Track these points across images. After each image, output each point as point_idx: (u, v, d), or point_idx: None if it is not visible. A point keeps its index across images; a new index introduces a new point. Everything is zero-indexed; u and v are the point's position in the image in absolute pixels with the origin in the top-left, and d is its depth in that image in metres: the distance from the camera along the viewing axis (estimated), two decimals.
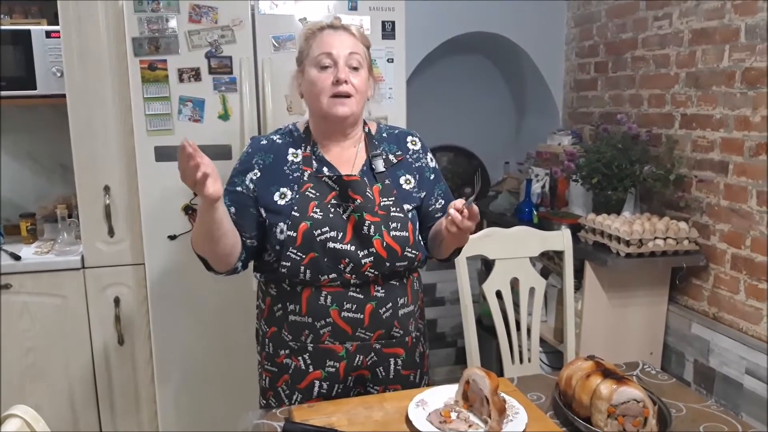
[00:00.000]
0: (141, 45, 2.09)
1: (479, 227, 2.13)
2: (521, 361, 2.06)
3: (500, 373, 1.84)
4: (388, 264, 1.47)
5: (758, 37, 2.16)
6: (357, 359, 1.50)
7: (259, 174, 1.49)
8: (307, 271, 1.44)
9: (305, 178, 1.48)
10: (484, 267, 3.21)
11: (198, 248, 1.45)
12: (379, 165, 1.53)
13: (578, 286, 2.47)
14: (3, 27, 2.32)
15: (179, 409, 2.32)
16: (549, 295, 2.66)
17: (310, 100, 1.50)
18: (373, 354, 1.51)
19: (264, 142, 1.54)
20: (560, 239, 2.08)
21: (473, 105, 3.61)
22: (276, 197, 1.47)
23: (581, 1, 3.16)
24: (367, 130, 1.59)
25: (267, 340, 1.55)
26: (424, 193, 1.59)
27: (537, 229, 2.09)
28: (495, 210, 3.11)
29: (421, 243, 1.57)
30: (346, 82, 1.43)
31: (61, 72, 2.28)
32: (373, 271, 1.46)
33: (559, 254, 2.14)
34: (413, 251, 1.50)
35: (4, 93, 2.34)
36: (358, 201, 1.46)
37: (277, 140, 1.54)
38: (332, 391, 1.51)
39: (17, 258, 2.30)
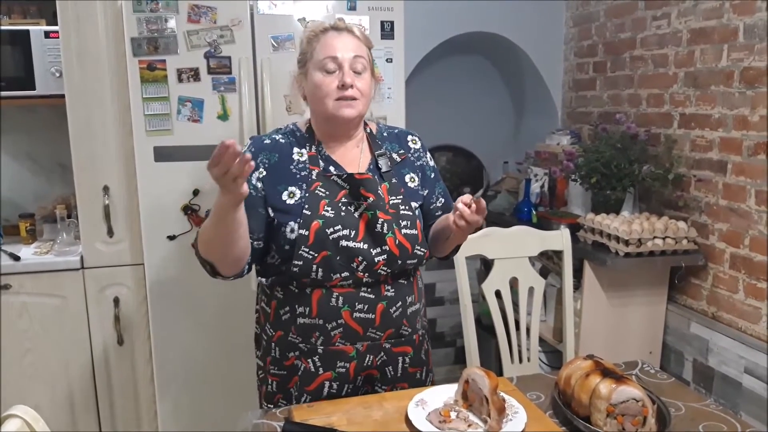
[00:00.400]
0: (140, 45, 2.09)
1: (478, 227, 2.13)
2: (520, 360, 2.07)
3: (499, 373, 1.85)
4: (399, 262, 1.47)
5: (757, 36, 2.16)
6: (367, 359, 1.50)
7: (265, 173, 1.48)
8: (320, 270, 1.43)
9: (314, 177, 1.47)
10: (484, 267, 3.21)
11: (209, 252, 1.41)
12: (385, 164, 1.53)
13: (577, 285, 2.47)
14: (2, 27, 2.32)
15: (179, 409, 2.32)
16: (548, 295, 2.66)
17: (315, 103, 1.49)
18: (383, 353, 1.51)
19: (267, 141, 1.53)
20: (559, 239, 2.08)
21: (472, 105, 3.61)
22: (284, 196, 1.46)
23: (580, 1, 3.16)
24: (368, 130, 1.59)
25: (273, 344, 1.54)
26: (426, 191, 1.60)
27: (536, 229, 2.10)
28: (494, 210, 3.11)
29: (426, 241, 1.57)
30: (351, 86, 1.43)
31: (60, 72, 2.28)
32: (385, 269, 1.46)
33: (558, 254, 2.14)
34: (422, 249, 1.51)
35: (3, 93, 2.33)
36: (371, 199, 1.46)
37: (281, 140, 1.53)
38: (342, 391, 1.50)
39: (16, 258, 2.30)
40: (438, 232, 1.57)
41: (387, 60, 2.31)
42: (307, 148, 1.52)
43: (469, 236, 1.54)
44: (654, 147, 2.62)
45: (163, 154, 2.16)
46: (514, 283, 2.03)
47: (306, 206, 1.44)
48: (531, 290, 2.05)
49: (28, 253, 2.39)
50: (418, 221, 1.51)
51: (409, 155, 1.60)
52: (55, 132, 2.54)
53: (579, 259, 2.43)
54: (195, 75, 2.14)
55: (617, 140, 2.60)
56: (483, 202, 1.35)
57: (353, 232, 1.44)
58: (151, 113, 2.13)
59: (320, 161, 1.50)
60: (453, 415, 1.30)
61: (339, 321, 1.46)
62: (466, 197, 1.36)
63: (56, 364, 2.36)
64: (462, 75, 3.57)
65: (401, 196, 1.51)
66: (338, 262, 1.43)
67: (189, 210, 2.22)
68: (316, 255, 1.42)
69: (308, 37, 1.49)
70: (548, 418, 1.35)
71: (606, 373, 1.30)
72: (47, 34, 2.33)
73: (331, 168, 1.50)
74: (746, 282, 2.24)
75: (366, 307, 1.47)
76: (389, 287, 1.49)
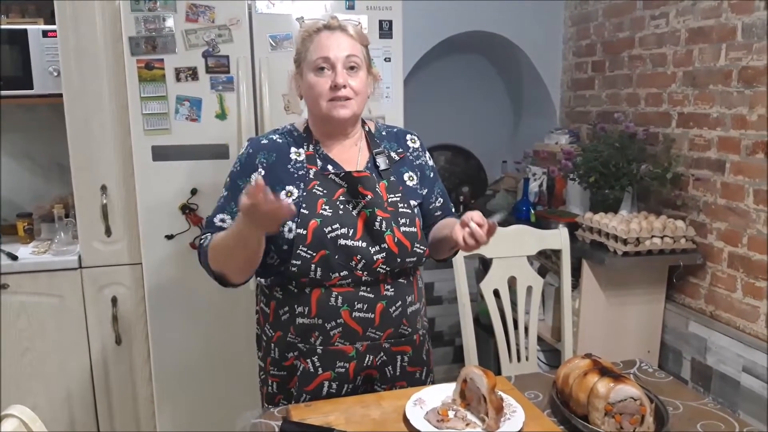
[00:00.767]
0: (138, 44, 2.09)
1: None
2: (519, 359, 2.07)
3: (498, 372, 1.85)
4: (398, 260, 1.46)
5: (755, 35, 2.16)
6: (367, 359, 1.49)
7: (263, 173, 1.48)
8: (318, 269, 1.43)
9: (311, 176, 1.47)
10: (482, 266, 3.21)
11: (224, 267, 1.43)
12: (383, 162, 1.53)
13: (575, 284, 2.47)
14: (0, 26, 2.32)
15: (177, 409, 2.32)
16: (546, 294, 2.67)
17: (310, 103, 1.49)
18: (382, 353, 1.51)
19: (264, 141, 1.52)
20: (558, 238, 2.09)
21: (471, 104, 3.61)
22: (282, 196, 1.45)
23: (578, 0, 3.16)
24: (367, 128, 1.59)
25: (273, 344, 1.53)
26: (425, 191, 1.60)
27: (534, 228, 2.10)
28: (492, 209, 3.11)
29: (425, 239, 1.57)
30: (344, 86, 1.43)
31: (58, 71, 2.27)
32: (384, 267, 1.45)
33: (557, 253, 2.14)
34: (421, 247, 1.50)
35: (1, 93, 2.33)
36: (369, 197, 1.46)
37: (278, 139, 1.53)
38: (341, 392, 1.49)
39: (14, 258, 2.30)
40: (441, 241, 1.56)
41: (385, 59, 2.30)
42: (305, 147, 1.52)
43: None
44: (652, 146, 2.62)
45: (161, 154, 2.16)
46: (512, 283, 2.03)
47: (304, 205, 1.43)
48: (529, 289, 2.05)
49: (25, 252, 2.38)
50: (417, 219, 1.51)
51: (408, 154, 1.60)
52: (53, 131, 2.53)
53: (577, 258, 2.43)
54: (193, 74, 2.14)
55: (616, 139, 2.60)
56: (495, 224, 1.34)
57: (351, 231, 1.44)
58: (149, 112, 2.13)
59: (318, 160, 1.50)
60: (451, 414, 1.30)
61: (338, 320, 1.45)
62: (477, 216, 1.34)
63: (54, 363, 2.35)
64: (460, 74, 3.57)
65: (400, 194, 1.51)
66: (337, 261, 1.43)
67: (187, 209, 2.21)
68: (314, 254, 1.42)
69: (302, 37, 1.49)
70: (546, 417, 1.35)
71: (604, 372, 1.30)
72: (45, 34, 2.32)
73: (329, 166, 1.50)
74: (744, 281, 2.24)
75: (365, 306, 1.46)
76: (389, 286, 1.49)
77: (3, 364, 2.30)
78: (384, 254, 1.45)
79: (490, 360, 2.85)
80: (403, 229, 1.47)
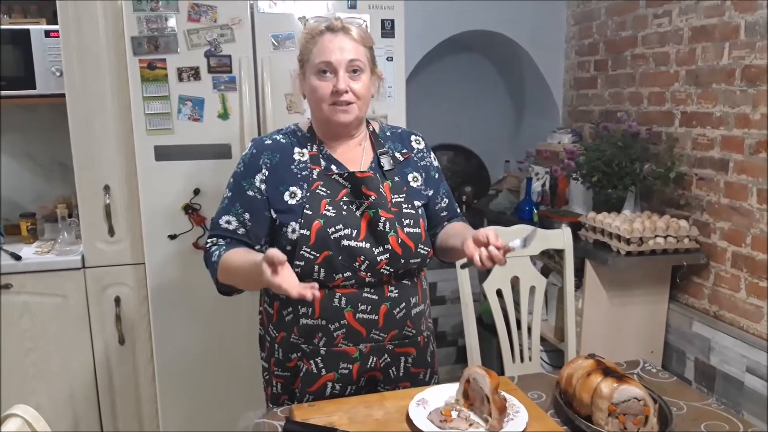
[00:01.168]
0: (140, 44, 2.09)
1: (479, 226, 2.13)
2: (522, 359, 2.06)
3: (501, 372, 1.84)
4: (402, 261, 1.46)
5: (758, 34, 2.16)
6: (371, 361, 1.49)
7: (267, 174, 1.48)
8: (321, 270, 1.42)
9: (314, 176, 1.47)
10: None
11: (232, 284, 1.47)
12: (387, 163, 1.53)
13: (579, 284, 2.47)
14: (2, 26, 2.32)
15: (180, 409, 2.32)
16: (549, 294, 2.66)
17: (313, 105, 1.49)
18: (386, 355, 1.50)
19: (268, 141, 1.52)
20: (560, 238, 2.08)
21: (473, 103, 3.60)
22: (286, 197, 1.46)
23: None
24: (371, 128, 1.58)
25: (276, 345, 1.53)
26: (431, 192, 1.60)
27: (537, 228, 2.09)
28: (495, 208, 3.11)
29: (430, 240, 1.56)
30: (346, 91, 1.42)
31: (61, 71, 2.28)
32: (388, 268, 1.45)
33: (560, 253, 2.14)
34: (425, 248, 1.50)
35: (3, 93, 2.33)
36: (373, 197, 1.45)
37: (281, 140, 1.53)
38: (344, 393, 1.49)
39: (18, 258, 2.30)
40: (451, 249, 1.55)
41: (387, 58, 2.30)
42: (309, 147, 1.51)
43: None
44: (655, 145, 2.62)
45: (163, 153, 2.16)
46: (515, 283, 2.03)
47: (307, 206, 1.43)
48: (532, 289, 2.05)
49: (29, 252, 2.39)
50: (421, 220, 1.50)
51: (413, 155, 1.59)
52: (56, 131, 2.54)
53: (580, 258, 2.43)
54: (195, 74, 2.14)
55: (618, 139, 2.59)
56: (512, 248, 1.32)
57: (355, 232, 1.43)
58: (152, 112, 2.13)
59: (321, 160, 1.50)
60: (454, 414, 1.30)
61: (342, 322, 1.45)
62: (492, 237, 1.30)
63: (57, 363, 2.36)
64: (463, 73, 3.57)
65: (404, 195, 1.50)
66: (340, 262, 1.42)
67: (190, 209, 2.22)
68: (317, 255, 1.42)
69: (305, 38, 1.48)
70: (549, 417, 1.35)
71: (607, 372, 1.30)
72: (47, 34, 2.33)
73: (333, 167, 1.50)
74: (748, 281, 2.24)
75: (369, 308, 1.46)
76: (393, 288, 1.48)
77: (7, 364, 2.31)
78: (387, 255, 1.44)
79: (493, 360, 2.85)
80: (407, 230, 1.46)
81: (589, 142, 2.87)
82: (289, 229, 1.43)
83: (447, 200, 1.64)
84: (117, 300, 2.36)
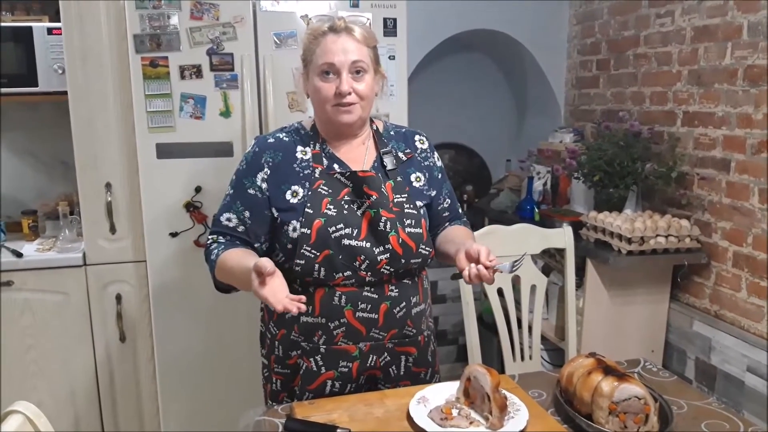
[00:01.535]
0: (142, 42, 2.09)
1: (480, 225, 2.13)
2: (522, 358, 2.06)
3: (501, 371, 1.84)
4: (403, 261, 1.46)
5: (761, 34, 2.16)
6: (370, 359, 1.49)
7: (269, 172, 1.48)
8: (322, 269, 1.42)
9: (316, 175, 1.47)
10: None
11: (229, 283, 1.48)
12: (390, 162, 1.52)
13: (580, 283, 2.47)
14: (4, 24, 2.32)
15: (181, 406, 2.32)
16: (550, 293, 2.66)
17: (316, 106, 1.49)
18: (386, 354, 1.50)
19: (271, 140, 1.52)
20: (562, 237, 2.08)
21: (475, 103, 3.60)
22: (288, 195, 1.46)
23: None
24: (375, 127, 1.58)
25: (276, 342, 1.53)
26: (434, 192, 1.59)
27: (538, 227, 2.09)
28: (496, 207, 3.11)
29: (431, 241, 1.56)
30: (349, 93, 1.42)
31: (63, 69, 2.28)
32: (388, 268, 1.45)
33: (561, 252, 2.14)
34: (427, 248, 1.50)
35: (5, 90, 2.34)
36: (374, 197, 1.45)
37: (284, 138, 1.53)
38: (344, 391, 1.49)
39: (19, 255, 2.31)
40: (446, 254, 1.56)
41: (390, 57, 2.30)
42: (311, 146, 1.51)
43: (474, 233, 1.54)
44: (657, 145, 2.62)
45: (165, 151, 2.16)
46: (516, 281, 2.02)
47: (308, 205, 1.43)
48: (533, 288, 2.05)
49: (30, 249, 2.39)
50: (423, 220, 1.50)
51: (416, 155, 1.59)
52: (58, 129, 2.54)
53: (581, 257, 2.43)
54: (197, 72, 2.14)
55: (620, 138, 2.59)
56: (501, 271, 1.34)
57: (356, 231, 1.43)
58: (154, 110, 2.13)
59: (324, 159, 1.50)
60: (455, 412, 1.30)
61: (342, 320, 1.45)
62: (484, 256, 1.32)
63: (58, 361, 2.36)
64: (465, 72, 3.57)
65: (406, 195, 1.50)
66: (341, 261, 1.42)
67: (191, 207, 2.22)
68: (318, 254, 1.42)
69: (308, 38, 1.48)
70: (550, 415, 1.35)
71: (608, 371, 1.30)
72: (50, 31, 2.33)
73: (335, 166, 1.50)
74: (749, 280, 2.23)
75: (369, 306, 1.46)
76: (393, 287, 1.48)
77: (8, 361, 2.31)
78: (388, 255, 1.44)
79: (493, 358, 2.85)
80: (408, 230, 1.46)
81: (590, 141, 2.86)
82: (290, 228, 1.43)
83: (449, 201, 1.63)
84: (118, 297, 2.37)
